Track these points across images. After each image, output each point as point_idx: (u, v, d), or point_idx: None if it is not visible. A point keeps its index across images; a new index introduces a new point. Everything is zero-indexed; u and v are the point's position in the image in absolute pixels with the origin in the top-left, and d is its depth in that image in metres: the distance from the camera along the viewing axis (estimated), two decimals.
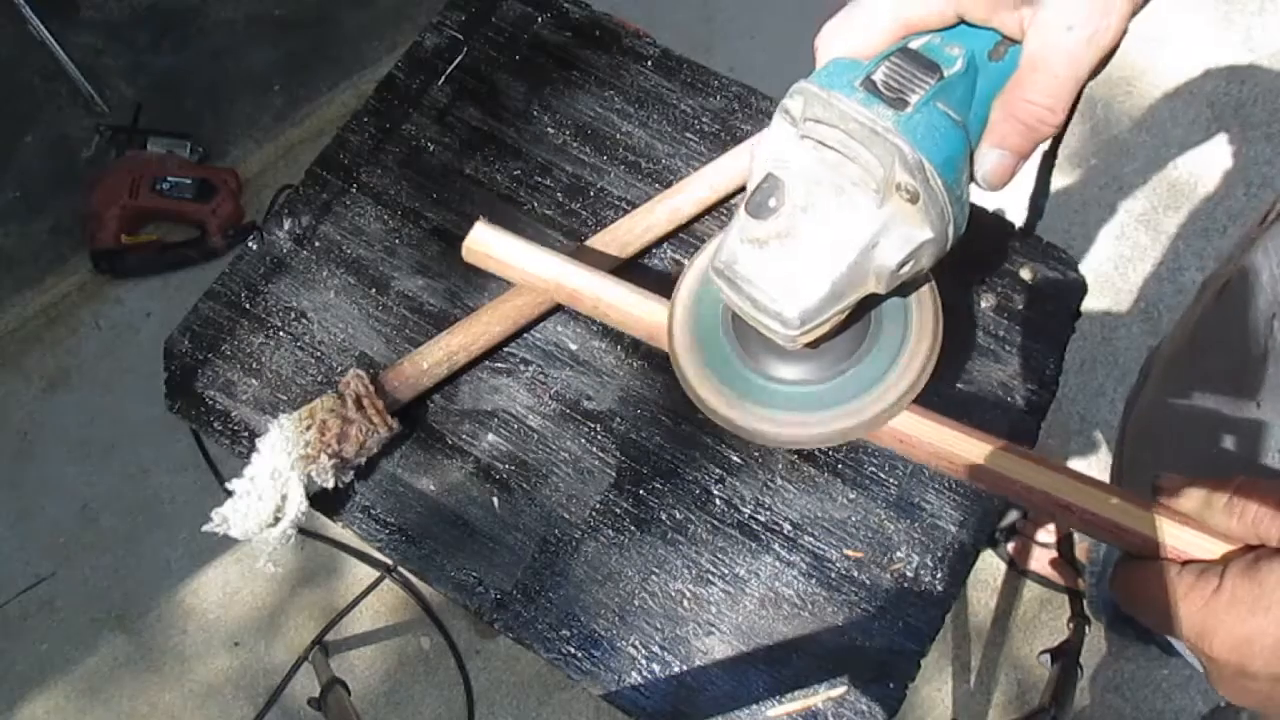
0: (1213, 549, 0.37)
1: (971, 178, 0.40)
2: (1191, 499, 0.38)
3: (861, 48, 0.39)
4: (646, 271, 0.70)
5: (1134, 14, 0.37)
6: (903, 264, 0.39)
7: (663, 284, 0.67)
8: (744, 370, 0.46)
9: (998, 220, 0.70)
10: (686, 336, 0.47)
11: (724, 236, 0.41)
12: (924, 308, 0.47)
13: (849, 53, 0.39)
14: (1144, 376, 0.84)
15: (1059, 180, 1.72)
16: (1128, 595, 0.38)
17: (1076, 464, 1.59)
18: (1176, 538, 0.37)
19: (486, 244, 0.55)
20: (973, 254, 0.69)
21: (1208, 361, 0.67)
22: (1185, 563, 0.37)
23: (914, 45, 0.39)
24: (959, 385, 0.66)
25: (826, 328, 0.41)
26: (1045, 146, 0.86)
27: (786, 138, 0.40)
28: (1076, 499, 0.40)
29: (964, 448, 0.43)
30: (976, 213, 0.70)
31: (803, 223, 0.39)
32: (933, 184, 0.37)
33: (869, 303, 0.43)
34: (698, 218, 0.70)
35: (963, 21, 0.39)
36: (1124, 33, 0.37)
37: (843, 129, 0.37)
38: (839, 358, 0.46)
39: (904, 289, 0.46)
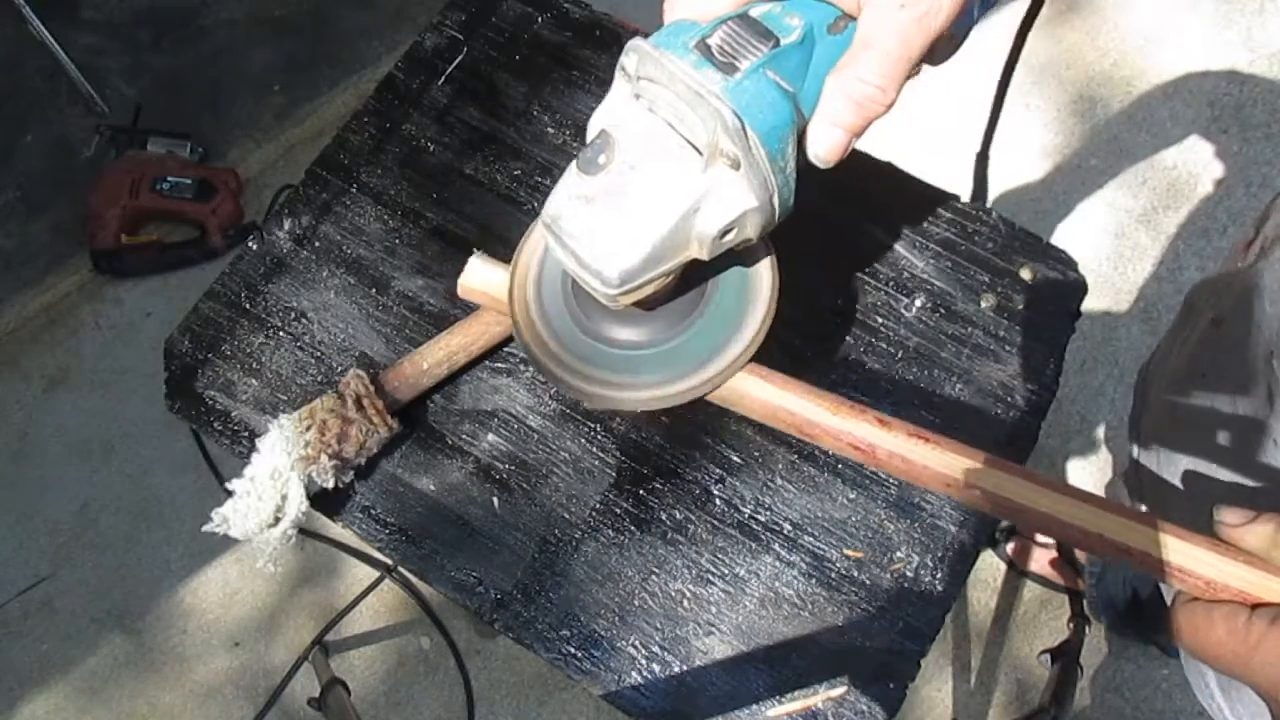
0: None
1: (802, 152, 0.40)
2: (1257, 536, 0.36)
3: (704, 11, 0.39)
4: None
5: None
6: (724, 231, 0.39)
7: None
8: (580, 333, 0.47)
9: (998, 220, 0.70)
10: (529, 299, 0.48)
11: (554, 190, 0.40)
12: (760, 280, 0.47)
13: (693, 15, 0.39)
14: (1142, 399, 0.83)
15: (1059, 180, 1.72)
16: (1193, 641, 0.37)
17: (1076, 464, 1.59)
18: (1245, 580, 0.36)
19: (485, 282, 0.55)
20: (973, 254, 0.69)
21: (1212, 393, 0.66)
22: (1255, 606, 0.35)
23: (755, 12, 0.39)
24: (959, 385, 0.66)
25: (649, 289, 0.41)
26: (978, 148, 0.85)
27: (622, 95, 0.40)
28: (1136, 542, 0.38)
29: (1021, 492, 0.41)
30: (976, 212, 0.70)
31: (630, 182, 0.39)
32: (755, 152, 0.37)
33: (701, 270, 0.43)
34: None
35: None
36: (957, 16, 0.37)
37: (672, 90, 0.37)
38: (669, 325, 0.46)
39: (743, 259, 0.46)
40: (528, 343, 0.48)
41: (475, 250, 0.57)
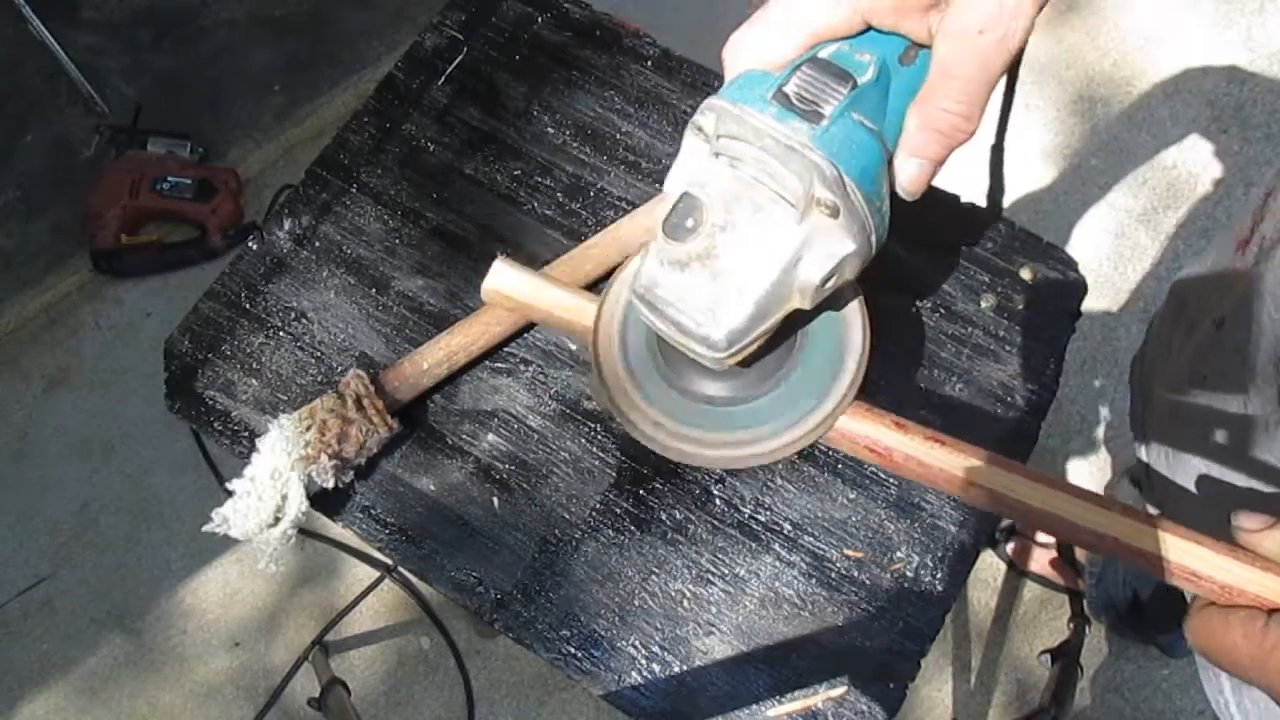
0: None
1: (891, 186, 0.39)
2: (1276, 542, 0.36)
3: (771, 58, 0.38)
4: None
5: (1039, 11, 0.36)
6: (826, 279, 0.38)
7: None
8: (671, 389, 0.45)
9: (998, 220, 0.70)
10: (614, 357, 0.46)
11: (642, 259, 0.40)
12: (852, 322, 0.47)
13: (758, 64, 0.38)
14: (1142, 396, 0.83)
15: (1059, 180, 1.72)
16: (1209, 645, 0.36)
17: (1076, 464, 1.59)
18: (1263, 585, 0.35)
19: (507, 286, 0.54)
20: (973, 254, 0.69)
21: (1217, 395, 0.66)
22: (1272, 611, 0.35)
23: (824, 54, 0.38)
24: (959, 385, 0.66)
25: (754, 347, 0.40)
26: (991, 141, 0.85)
27: (701, 155, 0.39)
28: (1153, 547, 0.38)
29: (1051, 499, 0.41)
30: (976, 212, 0.70)
31: (722, 242, 0.38)
32: (853, 198, 0.36)
33: (796, 317, 0.42)
34: None
35: (870, 28, 0.38)
36: (1031, 30, 0.36)
37: (758, 145, 0.37)
38: (766, 374, 0.45)
39: (832, 301, 0.46)
40: (626, 414, 0.46)
41: (500, 254, 0.56)
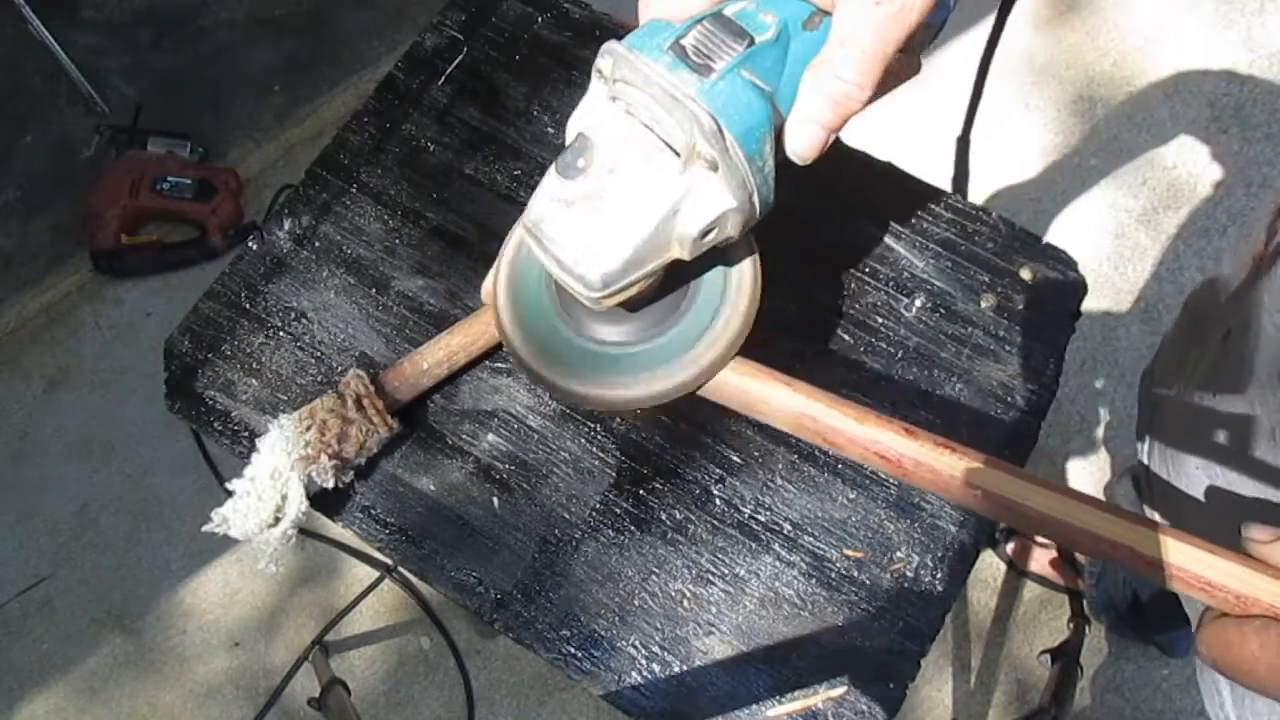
0: None
1: (780, 149, 0.40)
2: None
3: (679, 10, 0.38)
4: None
5: None
6: (705, 232, 0.39)
7: None
8: (566, 332, 0.47)
9: (998, 220, 0.70)
10: (509, 295, 0.48)
11: (535, 195, 0.40)
12: (743, 277, 0.47)
13: (667, 15, 0.39)
14: (1151, 409, 0.82)
15: (1059, 180, 1.72)
16: (1224, 656, 0.36)
17: (1076, 464, 1.59)
18: (1277, 595, 0.35)
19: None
20: (973, 254, 0.69)
21: (1226, 409, 0.66)
22: None
23: (729, 11, 0.38)
24: (959, 385, 0.66)
25: (632, 291, 0.41)
26: (958, 132, 0.84)
27: (599, 98, 0.40)
28: (1167, 557, 0.38)
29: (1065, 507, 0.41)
30: (976, 213, 0.70)
31: (609, 185, 0.39)
32: (732, 154, 0.37)
33: (684, 269, 0.43)
34: None
35: None
36: (931, 8, 0.37)
37: (648, 93, 0.37)
38: (652, 323, 0.46)
39: (723, 257, 0.47)
40: (515, 348, 0.48)
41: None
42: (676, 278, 0.46)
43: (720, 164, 0.37)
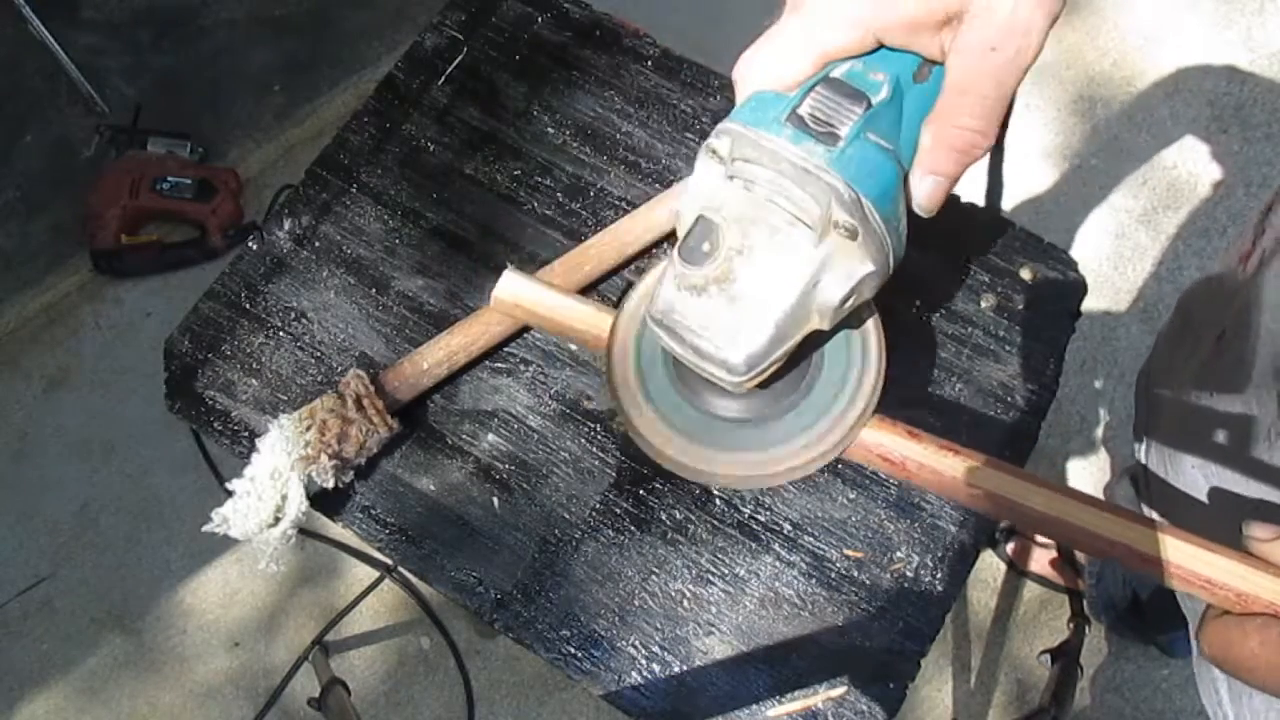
0: None
1: (907, 203, 0.39)
2: None
3: (783, 78, 0.38)
4: (647, 273, 0.70)
5: (1051, 26, 0.36)
6: (845, 299, 0.38)
7: None
8: (687, 408, 0.45)
9: (998, 220, 0.70)
10: (629, 372, 0.47)
11: (658, 284, 0.39)
12: (868, 339, 0.46)
13: (770, 85, 0.38)
14: (1147, 408, 0.82)
15: (1059, 180, 1.72)
16: (1225, 654, 0.36)
17: (1076, 464, 1.59)
18: (1278, 593, 0.35)
19: (516, 294, 0.54)
20: (973, 254, 0.69)
21: (1222, 408, 0.66)
22: None
23: (837, 73, 0.38)
24: (959, 385, 0.66)
25: (773, 369, 0.40)
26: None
27: (715, 178, 0.39)
28: (1168, 556, 0.38)
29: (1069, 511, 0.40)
30: (976, 212, 0.70)
31: (740, 266, 0.38)
32: (871, 219, 0.36)
33: (814, 337, 0.42)
34: None
35: (882, 46, 0.38)
36: (1043, 46, 0.36)
37: (773, 168, 0.36)
38: (783, 394, 0.45)
39: (849, 319, 0.46)
40: (649, 440, 0.46)
41: (509, 263, 0.56)
42: (804, 348, 0.45)
43: (860, 231, 0.36)
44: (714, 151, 0.38)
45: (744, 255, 0.38)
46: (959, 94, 0.36)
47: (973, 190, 0.87)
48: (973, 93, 0.36)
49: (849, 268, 0.38)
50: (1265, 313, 0.60)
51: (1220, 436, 0.66)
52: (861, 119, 0.36)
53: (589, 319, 0.52)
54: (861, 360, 0.46)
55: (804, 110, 0.36)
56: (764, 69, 0.38)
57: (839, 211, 0.36)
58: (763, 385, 0.43)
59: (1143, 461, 0.80)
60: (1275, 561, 0.36)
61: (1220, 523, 0.65)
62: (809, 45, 0.37)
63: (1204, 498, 0.67)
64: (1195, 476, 0.69)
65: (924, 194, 0.38)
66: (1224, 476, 0.65)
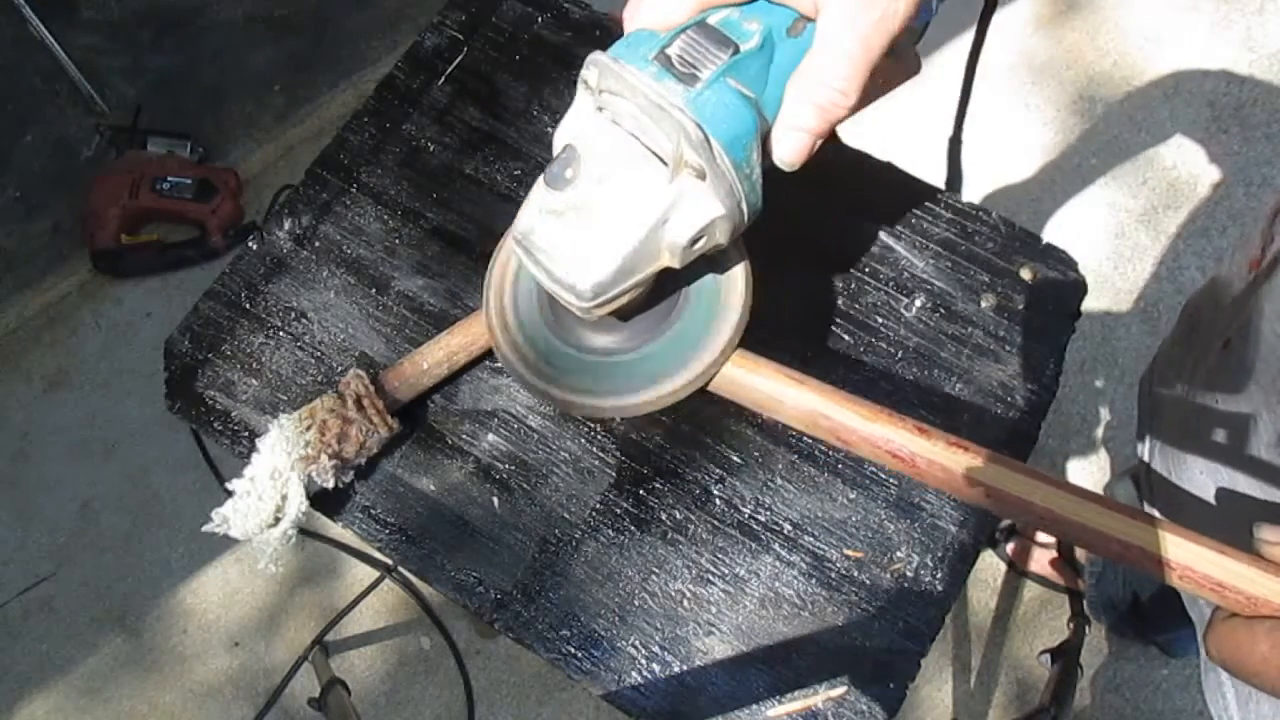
0: None
1: (767, 155, 0.40)
2: None
3: (664, 20, 0.39)
4: None
5: None
6: (694, 240, 0.39)
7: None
8: (558, 342, 0.47)
9: (998, 220, 0.70)
10: (499, 307, 0.49)
11: (524, 206, 0.41)
12: (734, 282, 0.48)
13: (652, 25, 0.39)
14: (1150, 414, 0.82)
15: (1059, 180, 1.72)
16: (1234, 657, 0.36)
17: (1076, 464, 1.59)
18: None
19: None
20: (973, 254, 0.69)
21: (1228, 416, 0.66)
22: None
23: (713, 20, 0.38)
24: (959, 385, 0.66)
25: (623, 300, 0.41)
26: (949, 134, 0.85)
27: (586, 109, 0.40)
28: (1178, 558, 0.37)
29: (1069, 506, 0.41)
30: (975, 212, 0.70)
31: (597, 195, 0.39)
32: (720, 162, 0.37)
33: (677, 276, 0.43)
34: None
35: None
36: (913, 15, 0.37)
37: (634, 103, 0.37)
38: (647, 330, 0.47)
39: (714, 264, 0.47)
40: (510, 358, 0.48)
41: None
42: (670, 284, 0.46)
43: (708, 172, 0.37)
44: (585, 82, 0.39)
45: (602, 185, 0.39)
46: (825, 51, 0.37)
47: (974, 192, 0.87)
48: (838, 51, 0.37)
49: (698, 208, 0.39)
50: (1269, 322, 0.60)
51: (1225, 438, 0.66)
52: (725, 64, 0.37)
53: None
54: (727, 304, 0.47)
55: (672, 50, 0.37)
56: (648, 11, 0.39)
57: (688, 151, 0.36)
58: (623, 318, 0.45)
59: (1145, 461, 0.80)
60: None
61: (1224, 524, 0.65)
62: None
63: (1210, 499, 0.67)
64: (1200, 478, 0.69)
65: (785, 148, 0.39)
66: (1229, 478, 0.65)
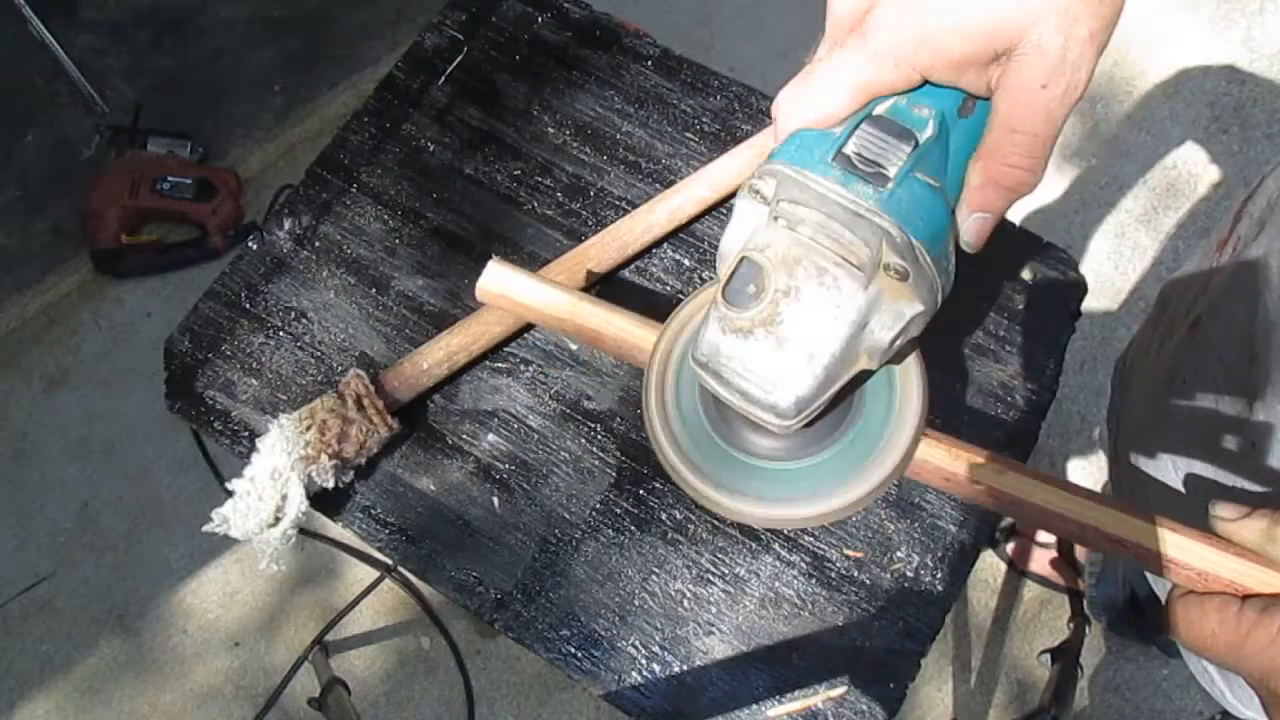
0: (1275, 583, 0.35)
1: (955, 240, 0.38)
2: (1250, 530, 0.37)
3: (824, 116, 0.37)
4: (647, 272, 0.70)
5: (1099, 56, 0.36)
6: (895, 339, 0.38)
7: (666, 291, 0.67)
8: (729, 449, 0.44)
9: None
10: (666, 415, 0.45)
11: (703, 326, 0.38)
12: (909, 376, 0.45)
13: (811, 121, 0.37)
14: (1121, 394, 0.83)
15: (1059, 180, 1.72)
16: (1188, 632, 0.37)
17: (1076, 464, 1.59)
18: (1236, 571, 0.36)
19: (502, 285, 0.54)
20: (973, 254, 0.69)
21: (1193, 395, 0.66)
22: (1246, 597, 0.36)
23: (880, 110, 0.37)
24: (959, 386, 0.66)
25: (820, 410, 0.39)
26: None
27: (757, 218, 0.38)
28: (1131, 535, 0.38)
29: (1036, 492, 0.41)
30: None
31: (786, 308, 0.37)
32: (922, 260, 0.36)
33: (861, 377, 0.41)
34: (698, 217, 0.70)
35: (927, 82, 0.37)
36: (1092, 78, 0.36)
37: (822, 211, 0.36)
38: (826, 433, 0.44)
39: (893, 357, 0.45)
40: (690, 480, 0.45)
41: (494, 256, 0.56)
42: (850, 387, 0.44)
43: (911, 272, 0.35)
44: (758, 192, 0.37)
45: (790, 297, 0.37)
46: (1009, 131, 0.36)
47: None
48: (1023, 130, 0.35)
49: (898, 308, 0.37)
50: (1239, 300, 0.60)
51: (1190, 421, 0.66)
52: (910, 158, 0.35)
53: (577, 310, 0.51)
54: (904, 397, 0.45)
55: (850, 149, 0.35)
56: (806, 105, 0.37)
57: (890, 254, 0.35)
58: (806, 426, 0.43)
59: (1114, 452, 0.80)
60: (1238, 541, 0.37)
61: (1187, 506, 0.65)
62: (853, 82, 0.37)
63: (1174, 483, 0.67)
64: (1164, 461, 0.69)
65: (971, 232, 0.38)
66: (1190, 463, 0.65)
